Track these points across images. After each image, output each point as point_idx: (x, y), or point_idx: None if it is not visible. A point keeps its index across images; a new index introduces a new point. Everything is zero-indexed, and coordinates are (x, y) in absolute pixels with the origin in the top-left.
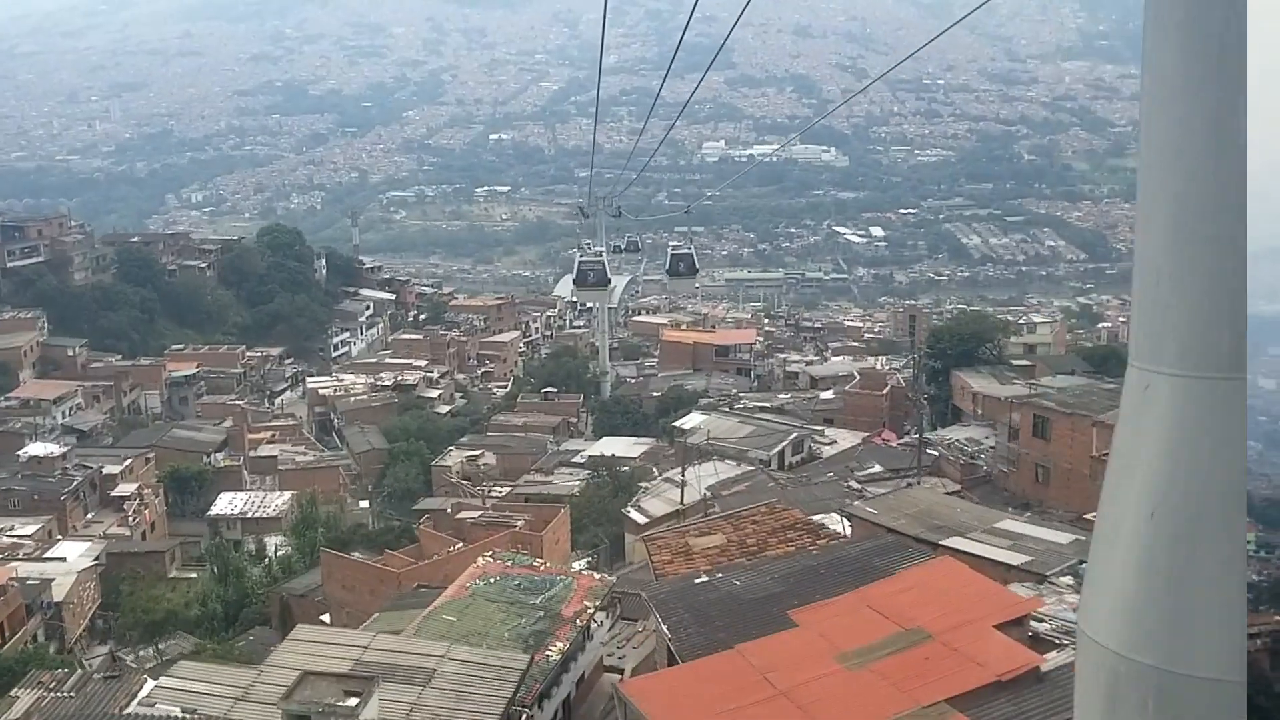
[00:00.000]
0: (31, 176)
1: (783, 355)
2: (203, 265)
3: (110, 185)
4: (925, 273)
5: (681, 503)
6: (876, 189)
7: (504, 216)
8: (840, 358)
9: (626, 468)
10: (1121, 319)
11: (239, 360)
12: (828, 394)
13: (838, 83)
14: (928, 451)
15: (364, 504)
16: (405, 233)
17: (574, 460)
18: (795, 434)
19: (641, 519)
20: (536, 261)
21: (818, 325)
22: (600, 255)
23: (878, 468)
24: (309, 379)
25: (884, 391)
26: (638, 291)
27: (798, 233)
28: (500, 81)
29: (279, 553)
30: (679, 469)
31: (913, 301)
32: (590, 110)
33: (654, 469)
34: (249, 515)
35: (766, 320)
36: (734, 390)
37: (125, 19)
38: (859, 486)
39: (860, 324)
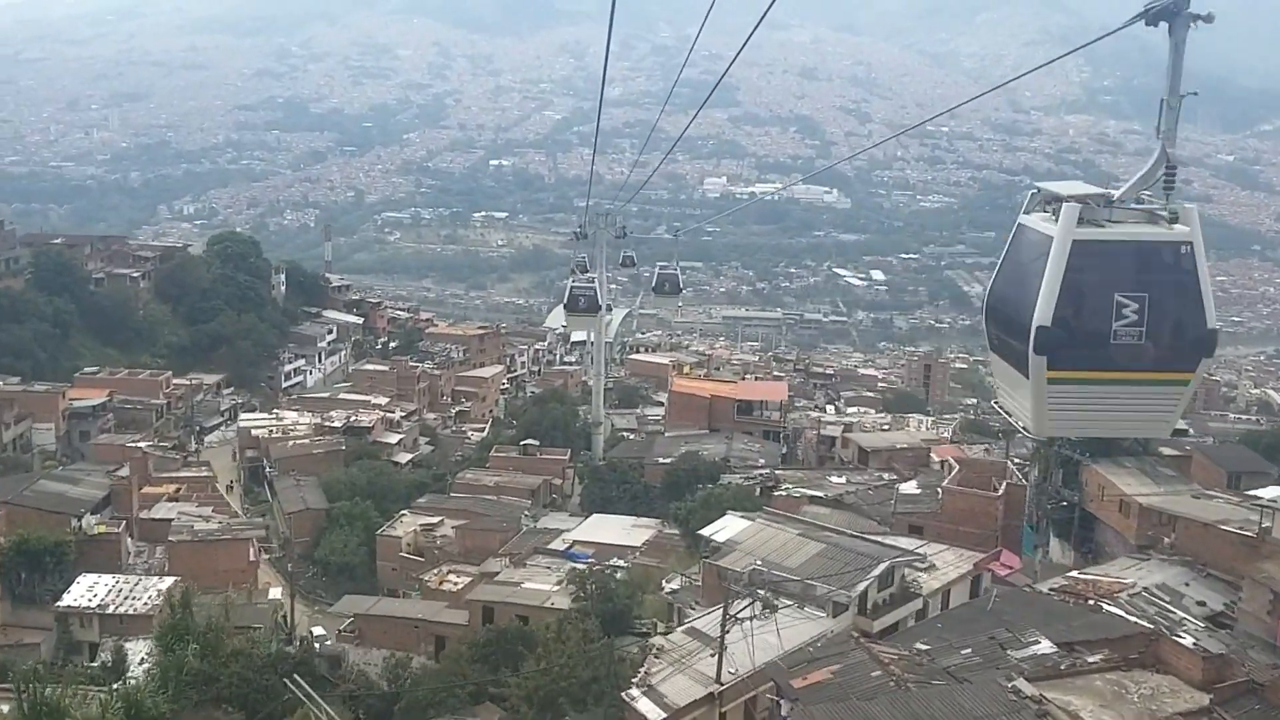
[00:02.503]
0: (23, 181)
1: (814, 413)
2: (136, 274)
3: (102, 193)
4: (926, 319)
5: (719, 681)
6: (878, 232)
7: (500, 242)
8: (855, 409)
9: (622, 563)
10: None
11: (161, 389)
12: (910, 486)
13: (841, 125)
14: (1104, 606)
15: (275, 594)
16: (398, 254)
17: (553, 546)
18: (886, 562)
19: (655, 713)
20: (531, 290)
21: (829, 372)
22: (593, 280)
23: (1046, 645)
24: (243, 415)
25: (999, 493)
26: (635, 326)
27: (797, 273)
28: (504, 108)
29: (138, 671)
30: (710, 611)
31: (912, 349)
32: (593, 140)
33: (666, 585)
34: (111, 610)
35: (775, 364)
36: (761, 462)
37: (131, 29)
38: (1032, 694)
39: (876, 372)
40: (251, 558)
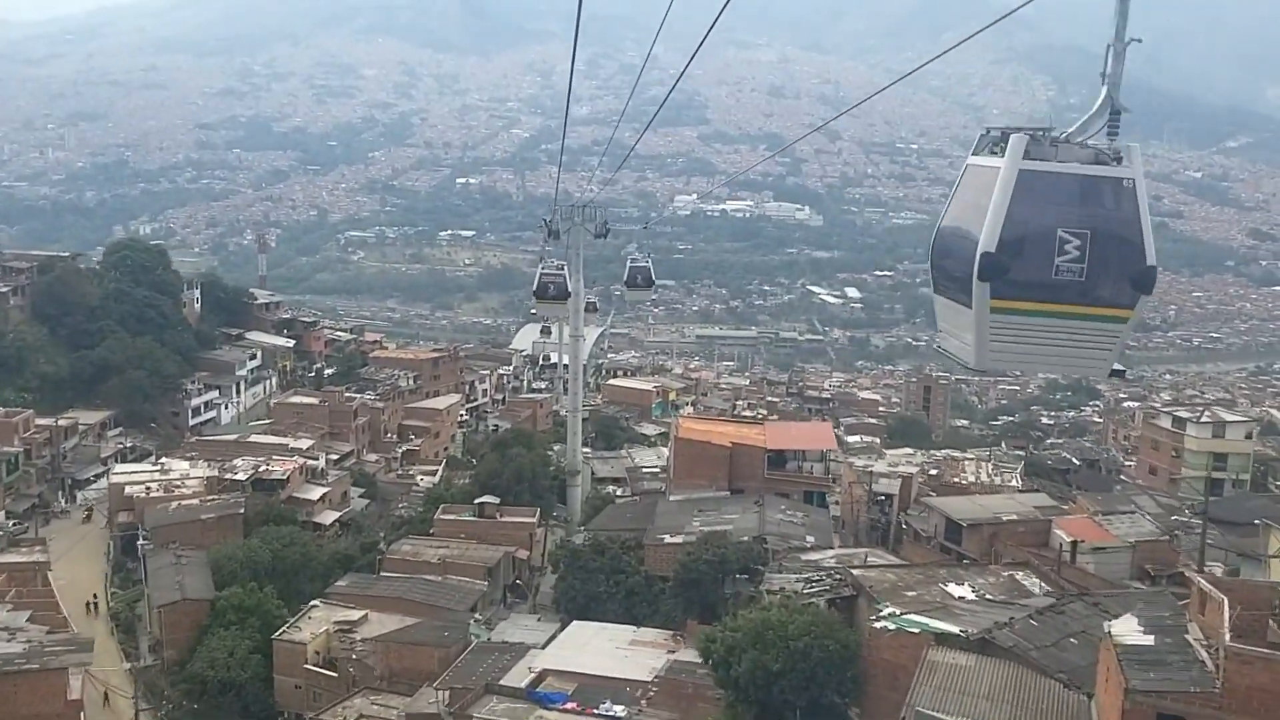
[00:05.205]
0: None
1: (854, 460)
2: (4, 289)
3: (56, 214)
4: (903, 337)
5: None
6: (851, 249)
7: (467, 261)
8: (858, 438)
9: (621, 713)
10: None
11: (17, 431)
12: (1131, 629)
13: (810, 143)
14: None
15: None
16: (362, 274)
17: (512, 679)
18: None
19: None
20: (499, 310)
21: (825, 396)
22: (562, 267)
23: None
24: (117, 468)
25: None
26: (607, 346)
27: (771, 290)
28: (470, 127)
29: None
30: None
31: (890, 367)
32: (560, 151)
33: None
34: None
35: (767, 386)
36: (811, 541)
37: (91, 49)
38: None
39: (876, 396)
40: (73, 694)
